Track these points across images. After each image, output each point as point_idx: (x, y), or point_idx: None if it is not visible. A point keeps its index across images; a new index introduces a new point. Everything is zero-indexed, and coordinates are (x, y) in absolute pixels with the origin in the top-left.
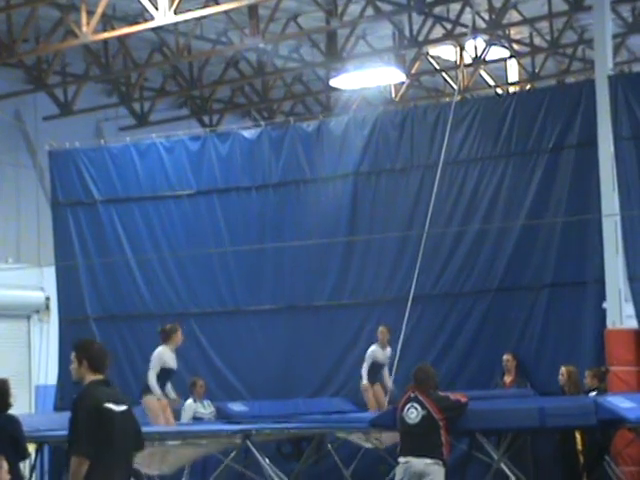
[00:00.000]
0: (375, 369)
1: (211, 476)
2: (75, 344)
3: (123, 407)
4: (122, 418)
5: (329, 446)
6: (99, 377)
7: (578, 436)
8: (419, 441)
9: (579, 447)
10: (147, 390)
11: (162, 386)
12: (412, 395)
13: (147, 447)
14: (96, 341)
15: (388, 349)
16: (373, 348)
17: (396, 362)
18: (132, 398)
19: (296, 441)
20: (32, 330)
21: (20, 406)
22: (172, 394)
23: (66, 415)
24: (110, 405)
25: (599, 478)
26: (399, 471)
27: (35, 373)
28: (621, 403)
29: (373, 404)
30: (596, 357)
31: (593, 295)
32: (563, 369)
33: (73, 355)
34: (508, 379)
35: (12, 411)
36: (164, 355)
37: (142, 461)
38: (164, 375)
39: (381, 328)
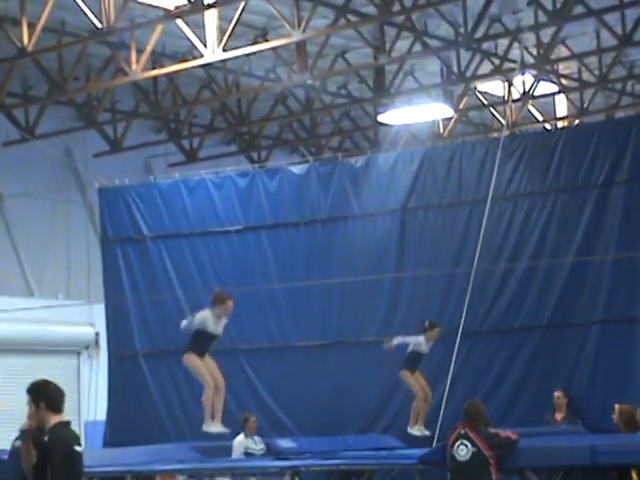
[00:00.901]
0: (414, 358)
1: None
2: (28, 387)
3: (81, 447)
4: (82, 459)
5: None
6: (63, 418)
7: (635, 476)
8: (469, 478)
9: None
10: (185, 349)
11: (204, 350)
12: (462, 432)
13: None
14: (49, 381)
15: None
16: (420, 338)
17: (445, 399)
18: (182, 434)
19: (345, 477)
20: (82, 366)
21: None
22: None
23: (116, 451)
24: (77, 448)
25: None
26: None
27: (84, 409)
28: None
29: (417, 386)
30: None
31: None
32: (616, 407)
33: (28, 399)
34: (559, 416)
35: None
36: (207, 318)
37: None
38: (208, 340)
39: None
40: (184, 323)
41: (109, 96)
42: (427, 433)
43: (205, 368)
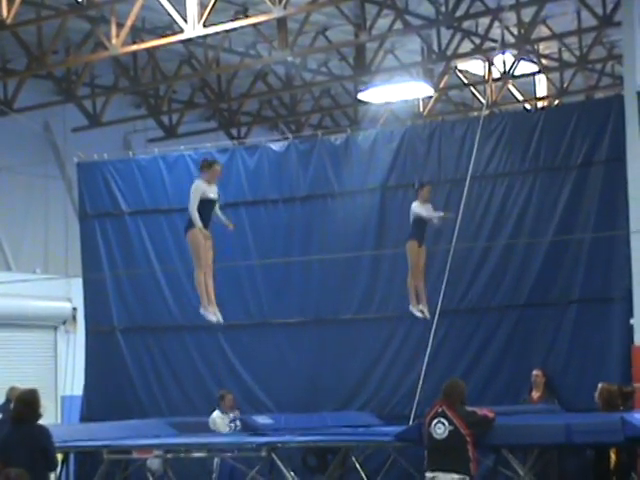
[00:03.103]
0: (417, 225)
1: None
2: None
3: None
4: None
5: (354, 460)
6: None
7: (613, 456)
8: (446, 456)
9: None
10: (190, 224)
11: (206, 218)
12: (439, 410)
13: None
14: None
15: (429, 205)
16: (414, 204)
17: (422, 377)
18: (159, 410)
19: (321, 454)
20: (59, 341)
21: (46, 417)
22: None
23: (92, 426)
24: None
25: None
26: None
27: (61, 384)
28: None
29: (414, 261)
30: (623, 374)
31: (620, 311)
32: (599, 386)
33: None
34: (536, 395)
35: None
36: (200, 186)
37: None
38: (206, 207)
39: (421, 185)
40: (193, 213)
41: (88, 70)
42: (427, 315)
43: (204, 248)
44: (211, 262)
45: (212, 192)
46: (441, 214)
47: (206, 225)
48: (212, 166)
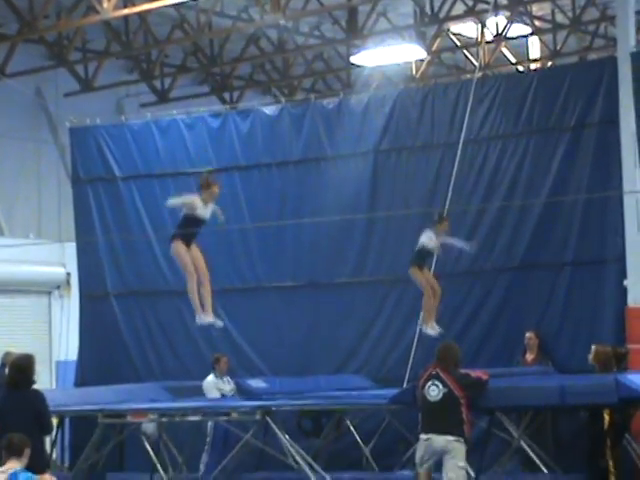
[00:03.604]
0: (422, 254)
1: (230, 452)
2: None
3: None
4: None
5: (348, 423)
6: None
7: (607, 417)
8: (440, 418)
9: (606, 427)
10: (172, 236)
11: (190, 235)
12: (433, 372)
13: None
14: None
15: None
16: (429, 233)
17: (416, 340)
18: (153, 374)
19: (316, 418)
20: (53, 306)
21: (41, 382)
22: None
23: (87, 390)
24: None
25: (619, 457)
26: (420, 448)
27: (56, 349)
28: None
29: (424, 282)
30: (617, 335)
31: (614, 273)
32: (593, 348)
33: None
34: (530, 357)
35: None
36: (194, 201)
37: None
38: (194, 224)
39: (441, 218)
40: (171, 201)
41: (80, 35)
42: (440, 330)
43: (189, 258)
44: (204, 268)
45: (205, 212)
46: (465, 246)
47: (189, 242)
48: (211, 187)
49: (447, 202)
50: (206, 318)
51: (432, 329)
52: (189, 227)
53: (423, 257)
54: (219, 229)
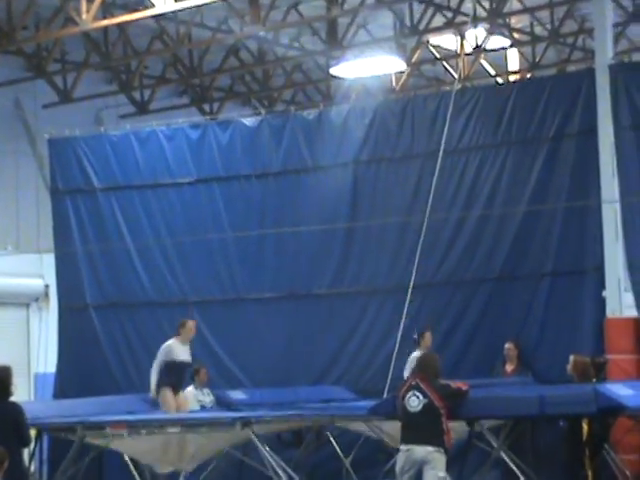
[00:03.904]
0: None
1: (211, 464)
2: None
3: None
4: None
5: (329, 434)
6: None
7: (585, 427)
8: (421, 429)
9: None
10: (158, 383)
11: (178, 381)
12: (413, 383)
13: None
14: None
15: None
16: (415, 354)
17: (396, 350)
18: (132, 386)
19: (296, 429)
20: (31, 318)
21: (19, 394)
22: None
23: (66, 403)
24: None
25: (599, 466)
26: (400, 459)
27: (34, 361)
28: (620, 391)
29: None
30: (596, 345)
31: (593, 284)
32: (571, 358)
33: None
34: (510, 368)
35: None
36: (172, 347)
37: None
38: (178, 369)
39: (427, 333)
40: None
41: (59, 46)
42: None
43: (173, 409)
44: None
45: (184, 354)
46: None
47: (177, 389)
48: (185, 324)
49: (427, 213)
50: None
51: None
52: (173, 373)
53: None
54: (199, 239)
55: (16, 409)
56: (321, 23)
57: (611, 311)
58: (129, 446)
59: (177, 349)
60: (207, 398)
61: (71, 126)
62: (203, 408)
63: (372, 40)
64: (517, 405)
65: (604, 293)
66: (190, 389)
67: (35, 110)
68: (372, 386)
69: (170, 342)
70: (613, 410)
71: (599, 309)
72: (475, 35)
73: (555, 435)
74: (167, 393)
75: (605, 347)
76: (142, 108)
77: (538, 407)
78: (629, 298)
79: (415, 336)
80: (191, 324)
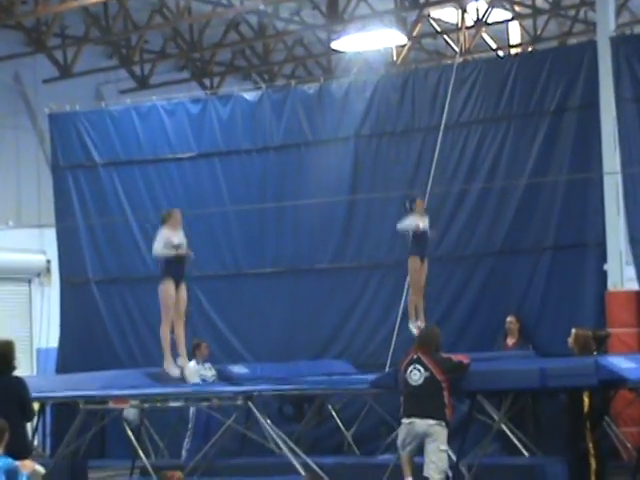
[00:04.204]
0: (417, 239)
1: (213, 437)
2: None
3: None
4: None
5: (330, 408)
6: None
7: (586, 399)
8: (422, 402)
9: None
10: (161, 274)
11: (177, 272)
12: (415, 357)
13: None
14: None
15: (426, 217)
16: (410, 218)
17: (397, 324)
18: (134, 360)
19: (298, 403)
20: (33, 293)
21: (22, 369)
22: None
23: (68, 377)
24: None
25: (599, 439)
26: (402, 432)
27: (36, 336)
28: (622, 364)
29: (415, 277)
30: (597, 319)
31: (594, 257)
32: (573, 331)
33: None
34: (511, 341)
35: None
36: (163, 232)
37: None
38: (175, 260)
39: (419, 200)
40: (157, 252)
41: (58, 20)
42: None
43: (172, 301)
44: (183, 313)
45: (179, 238)
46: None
47: (178, 280)
48: (171, 214)
49: (428, 187)
50: (175, 369)
51: (416, 328)
52: (171, 265)
53: (423, 243)
54: (199, 214)
55: (20, 383)
56: None
57: (612, 284)
58: None
59: (171, 235)
60: (209, 372)
61: (71, 101)
62: (204, 382)
63: (373, 13)
64: (518, 378)
65: (605, 266)
66: (192, 363)
67: (35, 85)
68: (374, 360)
69: (161, 233)
70: (614, 383)
71: (600, 282)
72: (476, 8)
73: (556, 408)
74: (168, 285)
75: (606, 320)
76: (142, 83)
77: (539, 380)
78: (631, 271)
79: (407, 203)
80: (177, 212)
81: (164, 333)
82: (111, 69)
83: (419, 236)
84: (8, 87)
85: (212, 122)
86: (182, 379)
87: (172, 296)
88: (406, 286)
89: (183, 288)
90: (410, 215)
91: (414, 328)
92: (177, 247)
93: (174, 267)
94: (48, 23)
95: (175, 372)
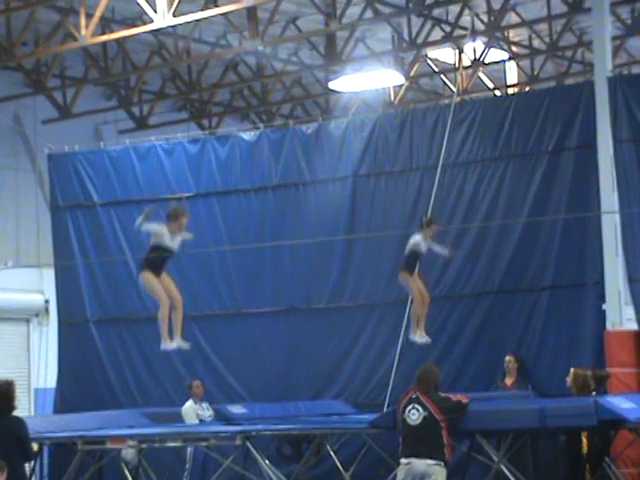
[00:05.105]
0: (412, 258)
1: (211, 478)
2: None
3: None
4: None
5: (329, 448)
6: None
7: (585, 440)
8: (421, 442)
9: (584, 450)
10: (141, 267)
11: (159, 265)
12: (413, 396)
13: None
14: None
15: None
16: (417, 237)
17: (395, 364)
18: (133, 400)
19: (296, 443)
20: (31, 333)
21: (19, 409)
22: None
23: (66, 417)
24: None
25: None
26: (401, 472)
27: (34, 376)
28: (621, 404)
29: (414, 289)
30: (596, 359)
31: (593, 297)
32: (571, 370)
33: None
34: (509, 381)
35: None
36: (162, 230)
37: None
38: (161, 254)
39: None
40: (141, 225)
41: (58, 62)
42: (428, 340)
43: (160, 286)
44: (177, 294)
45: (173, 243)
46: (445, 252)
47: (158, 272)
48: (179, 218)
49: None
50: (172, 344)
51: (420, 337)
52: (157, 257)
53: (414, 261)
54: (198, 253)
55: (19, 423)
56: (319, 37)
57: (611, 324)
58: None
59: (166, 235)
60: (206, 412)
61: (71, 141)
62: (202, 422)
63: (370, 54)
64: (517, 418)
65: (604, 306)
66: (189, 404)
67: (35, 125)
68: (372, 400)
69: (161, 227)
70: (614, 423)
71: (599, 322)
72: (473, 48)
73: (555, 448)
74: (147, 275)
75: (605, 360)
76: (141, 123)
77: (538, 420)
78: (629, 311)
79: (423, 218)
80: (184, 219)
81: (161, 315)
82: (110, 110)
83: (414, 256)
84: (8, 128)
85: (210, 162)
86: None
87: (154, 281)
88: (402, 333)
89: (165, 275)
90: (420, 233)
91: (417, 339)
92: (164, 250)
93: (154, 265)
94: (48, 64)
95: (171, 345)
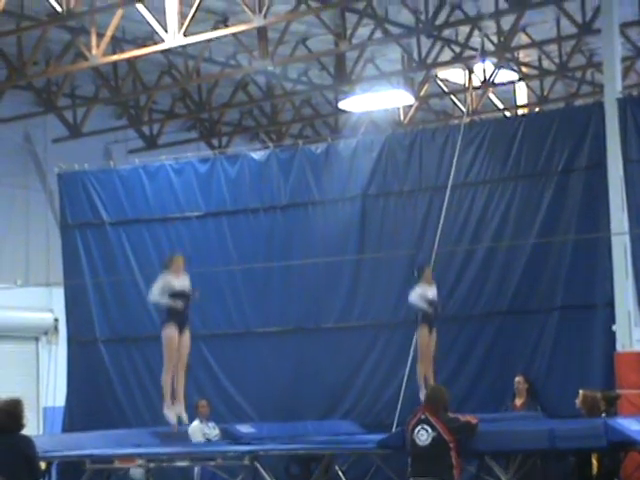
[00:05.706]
0: (427, 313)
1: None
2: None
3: None
4: None
5: (337, 468)
6: None
7: (595, 462)
8: (430, 463)
9: (594, 472)
10: (165, 319)
11: (180, 316)
12: (422, 417)
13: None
14: None
15: (434, 286)
16: (417, 290)
17: (404, 384)
18: (141, 419)
19: (304, 463)
20: (40, 352)
21: (28, 428)
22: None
23: (75, 436)
24: None
25: None
26: None
27: (43, 395)
28: (631, 425)
29: (423, 347)
30: (606, 380)
31: (603, 318)
32: (580, 392)
33: None
34: (519, 402)
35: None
36: (164, 277)
37: None
38: (175, 300)
39: (427, 268)
40: (152, 298)
41: (69, 81)
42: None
43: (175, 348)
44: (185, 358)
45: (182, 284)
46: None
47: (182, 325)
48: (173, 260)
49: (435, 247)
50: (172, 413)
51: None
52: (175, 305)
53: (430, 315)
54: (206, 272)
55: (27, 442)
56: (329, 58)
57: (621, 345)
58: None
59: (171, 281)
60: (213, 432)
61: (81, 161)
62: (208, 441)
63: (380, 74)
64: (527, 439)
65: (614, 327)
66: (195, 423)
67: (45, 144)
68: (380, 420)
69: (161, 279)
70: (624, 445)
71: (609, 343)
72: (483, 69)
73: (564, 470)
74: (171, 330)
75: (615, 382)
76: (151, 142)
77: (548, 441)
78: (639, 333)
79: (415, 272)
80: (179, 257)
81: (165, 379)
82: (120, 129)
83: (427, 310)
84: (18, 147)
85: (220, 181)
86: (179, 423)
87: (175, 342)
88: (411, 353)
89: (187, 333)
90: (419, 284)
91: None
92: (178, 294)
93: (176, 313)
94: (58, 83)
95: (172, 419)
